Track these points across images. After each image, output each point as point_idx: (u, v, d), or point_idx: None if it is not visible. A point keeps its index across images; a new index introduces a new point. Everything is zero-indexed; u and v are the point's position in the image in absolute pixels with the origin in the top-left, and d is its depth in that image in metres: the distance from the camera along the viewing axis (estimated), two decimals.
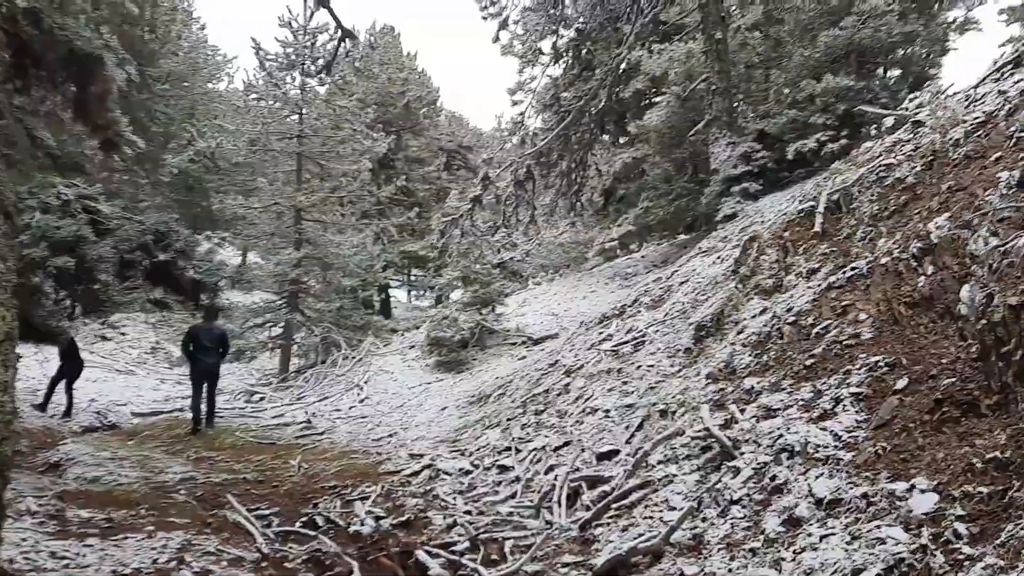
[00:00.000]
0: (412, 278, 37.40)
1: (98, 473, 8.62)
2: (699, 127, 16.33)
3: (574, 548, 5.61)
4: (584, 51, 20.01)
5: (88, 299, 7.17)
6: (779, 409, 5.87)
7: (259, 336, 18.89)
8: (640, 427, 7.29)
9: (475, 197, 14.90)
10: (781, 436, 5.34)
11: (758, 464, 5.29)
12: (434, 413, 12.00)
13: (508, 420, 9.55)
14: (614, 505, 5.90)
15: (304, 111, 18.94)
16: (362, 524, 6.88)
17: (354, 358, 17.06)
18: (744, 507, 4.98)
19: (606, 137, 24.35)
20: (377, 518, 7.04)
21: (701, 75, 16.35)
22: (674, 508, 5.49)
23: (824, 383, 5.78)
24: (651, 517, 5.55)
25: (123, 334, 25.15)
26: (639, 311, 11.08)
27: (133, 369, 21.49)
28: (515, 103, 24.01)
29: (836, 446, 4.93)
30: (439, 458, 8.74)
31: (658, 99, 18.27)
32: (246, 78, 23.40)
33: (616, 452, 7.06)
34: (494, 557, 5.84)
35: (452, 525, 6.71)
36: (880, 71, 15.45)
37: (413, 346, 16.96)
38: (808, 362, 6.28)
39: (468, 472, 8.20)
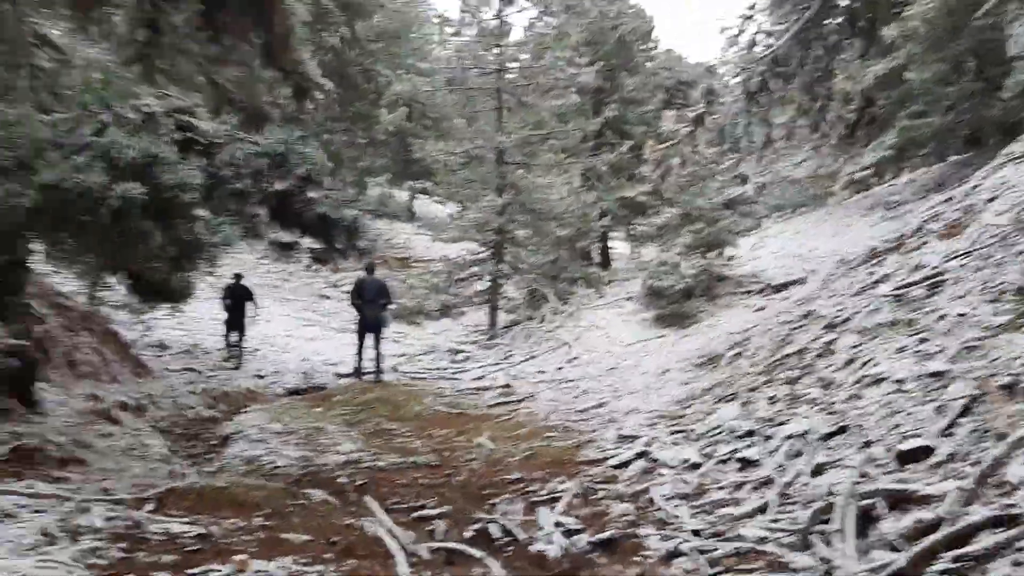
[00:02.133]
0: (631, 226, 35.13)
1: (256, 452, 7.41)
2: (989, 5, 12.61)
3: None
4: None
5: (182, 239, 6.09)
6: None
7: (466, 291, 17.61)
8: (967, 411, 4.72)
9: (697, 117, 12.42)
10: None
11: None
12: (652, 377, 9.86)
13: (748, 391, 7.20)
14: (948, 553, 3.50)
15: (503, 42, 17.18)
16: (549, 541, 4.95)
17: (564, 313, 15.25)
18: None
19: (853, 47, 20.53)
20: (569, 532, 5.08)
21: None
22: None
23: None
24: None
25: (344, 292, 25.22)
26: (926, 241, 8.20)
27: (348, 327, 21.19)
28: None
29: None
30: (656, 442, 6.62)
31: None
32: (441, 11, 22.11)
33: (929, 451, 4.57)
34: None
35: (674, 553, 4.60)
36: None
37: (630, 298, 14.82)
38: None
39: (695, 466, 6.00)
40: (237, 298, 14.33)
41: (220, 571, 3.92)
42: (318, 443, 7.78)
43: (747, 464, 5.76)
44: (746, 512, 4.96)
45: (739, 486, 5.44)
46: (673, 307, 12.75)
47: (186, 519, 4.64)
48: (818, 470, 5.10)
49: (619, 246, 33.37)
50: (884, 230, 12.21)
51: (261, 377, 13.71)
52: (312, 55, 9.68)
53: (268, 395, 12.46)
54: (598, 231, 23.64)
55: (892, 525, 4.01)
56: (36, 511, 4.20)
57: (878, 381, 5.90)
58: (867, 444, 5.03)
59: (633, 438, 6.95)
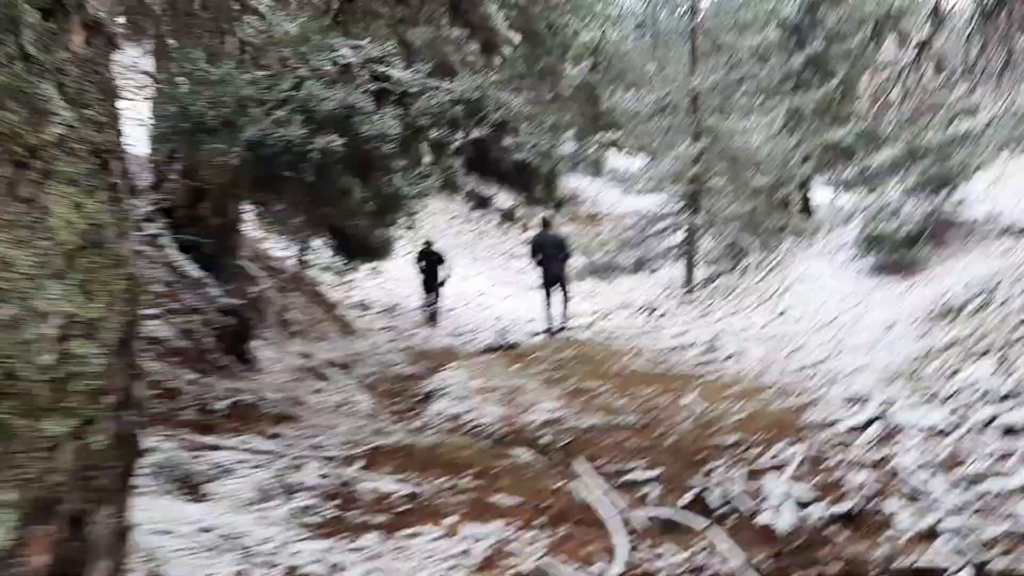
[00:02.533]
0: (835, 173, 32.63)
1: (458, 409, 7.35)
2: None
3: None
4: None
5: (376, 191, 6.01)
6: None
7: (659, 245, 16.95)
8: None
9: (921, 42, 10.97)
10: None
11: None
12: (877, 332, 8.92)
13: (1005, 346, 6.25)
14: None
15: None
16: (778, 512, 4.47)
17: (768, 265, 14.29)
18: None
19: None
20: (801, 504, 4.56)
21: None
22: None
23: None
24: None
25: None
26: None
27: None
28: None
29: None
30: (893, 404, 5.88)
31: None
32: None
33: None
34: None
35: (931, 533, 3.99)
36: None
37: (843, 246, 13.63)
38: None
39: (945, 432, 5.24)
40: (430, 263, 14.83)
41: (431, 533, 3.78)
42: (519, 401, 7.62)
43: (1011, 432, 4.95)
44: (1018, 487, 4.23)
45: (1003, 457, 4.68)
46: (896, 254, 11.52)
47: (395, 477, 4.57)
48: None
49: (820, 195, 31.21)
50: None
51: (458, 335, 13.94)
52: (498, 9, 9.48)
53: (465, 353, 12.58)
54: (799, 178, 22.07)
55: None
56: (254, 467, 4.25)
57: None
58: None
59: (864, 399, 6.23)
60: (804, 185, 26.55)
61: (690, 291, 15.74)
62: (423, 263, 14.98)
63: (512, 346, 13.19)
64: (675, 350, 10.68)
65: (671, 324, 13.22)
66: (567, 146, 33.21)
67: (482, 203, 12.08)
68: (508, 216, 25.97)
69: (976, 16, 11.00)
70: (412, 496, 4.31)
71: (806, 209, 26.71)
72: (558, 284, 12.42)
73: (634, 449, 6.07)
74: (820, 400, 6.51)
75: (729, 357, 9.41)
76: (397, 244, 11.85)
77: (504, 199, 26.35)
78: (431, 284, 14.94)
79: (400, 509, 4.15)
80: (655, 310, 14.86)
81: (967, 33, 10.91)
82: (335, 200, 5.61)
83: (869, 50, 29.77)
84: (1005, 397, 5.31)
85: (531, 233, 25.88)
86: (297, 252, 13.43)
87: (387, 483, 4.46)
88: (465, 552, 3.60)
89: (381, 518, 3.99)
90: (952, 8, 11.19)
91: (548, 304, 12.61)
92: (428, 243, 15.19)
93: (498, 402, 7.60)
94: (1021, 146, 21.39)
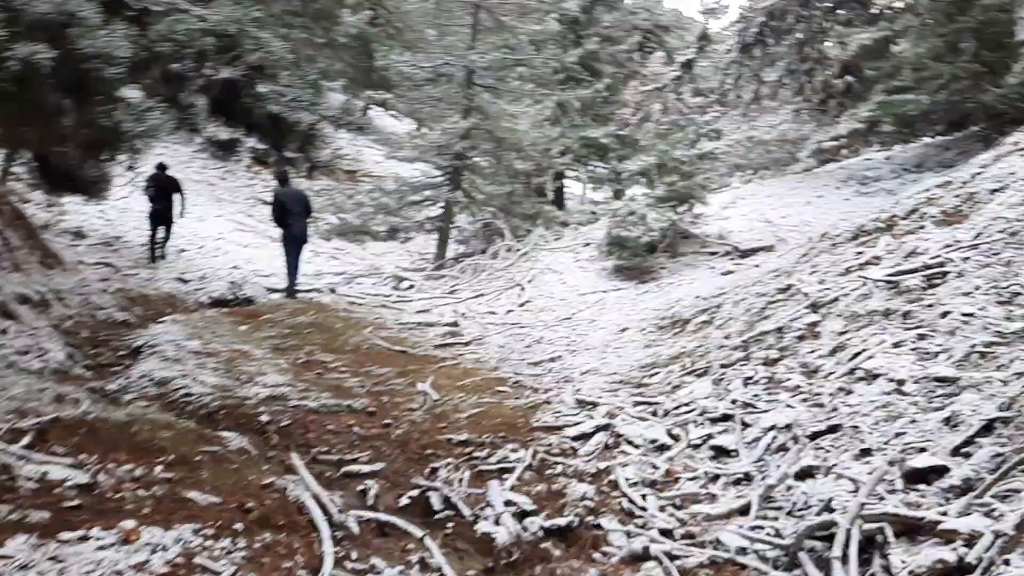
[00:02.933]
0: (590, 169, 34.19)
1: (169, 374, 6.56)
2: None
3: None
4: None
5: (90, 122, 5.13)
6: None
7: (416, 215, 16.65)
8: (987, 430, 4.18)
9: (687, 62, 11.60)
10: None
11: None
12: (611, 334, 9.26)
13: (722, 367, 6.63)
14: None
15: None
16: (497, 522, 4.32)
17: (519, 251, 14.50)
18: None
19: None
20: (522, 514, 4.46)
21: None
22: None
23: None
24: None
25: None
26: (923, 226, 7.66)
27: None
28: None
29: None
30: (620, 414, 6.00)
31: None
32: None
33: (941, 471, 4.03)
34: None
35: (641, 556, 4.02)
36: None
37: (588, 244, 14.13)
38: None
39: (664, 448, 5.41)
40: (162, 189, 13.33)
41: (102, 539, 3.16)
42: (241, 370, 6.96)
43: (722, 453, 5.19)
44: (723, 512, 4.40)
45: (714, 478, 4.88)
46: (636, 260, 12.11)
47: (70, 461, 3.84)
48: (805, 472, 4.54)
49: (573, 187, 32.53)
50: (863, 206, 11.73)
51: (185, 281, 12.71)
52: None
53: (191, 303, 11.52)
54: (556, 168, 22.81)
55: (903, 559, 3.46)
56: None
57: (872, 377, 5.36)
58: (865, 452, 4.47)
59: (593, 404, 6.33)
60: (560, 176, 27.56)
61: (440, 267, 15.63)
62: (153, 190, 13.33)
63: (246, 301, 12.28)
64: (418, 327, 10.44)
65: (417, 298, 12.98)
66: (333, 98, 31.90)
67: (226, 148, 10.89)
68: (259, 159, 24.39)
69: (736, 48, 11.81)
70: (88, 487, 3.63)
71: (560, 200, 27.76)
72: (303, 243, 11.94)
73: (360, 437, 5.72)
74: (552, 401, 6.53)
75: (470, 343, 9.33)
76: (114, 183, 10.37)
77: (255, 142, 24.69)
78: (161, 216, 13.40)
79: (69, 504, 3.46)
80: (403, 281, 14.55)
81: (727, 62, 11.68)
82: (37, 121, 4.64)
83: (637, 59, 31.42)
84: (720, 418, 5.58)
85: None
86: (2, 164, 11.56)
87: (58, 469, 3.72)
88: (140, 566, 3.04)
89: (41, 516, 3.29)
90: (715, 36, 11.87)
91: (289, 263, 11.99)
92: (162, 166, 13.51)
93: (216, 369, 6.89)
94: (741, 174, 23.65)
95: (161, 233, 13.54)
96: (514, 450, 5.33)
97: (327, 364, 7.75)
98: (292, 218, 11.66)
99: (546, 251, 14.23)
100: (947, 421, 4.48)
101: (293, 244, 11.80)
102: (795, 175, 16.74)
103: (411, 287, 14.13)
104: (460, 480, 4.92)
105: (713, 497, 4.62)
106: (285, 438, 5.62)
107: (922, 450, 4.28)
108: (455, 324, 10.50)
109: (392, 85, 20.36)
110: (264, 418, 5.84)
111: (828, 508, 3.99)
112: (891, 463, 4.20)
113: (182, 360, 7.05)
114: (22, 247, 9.91)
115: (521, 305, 11.44)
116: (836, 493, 4.12)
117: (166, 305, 11.08)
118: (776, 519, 4.22)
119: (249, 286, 13.31)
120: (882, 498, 3.91)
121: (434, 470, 5.10)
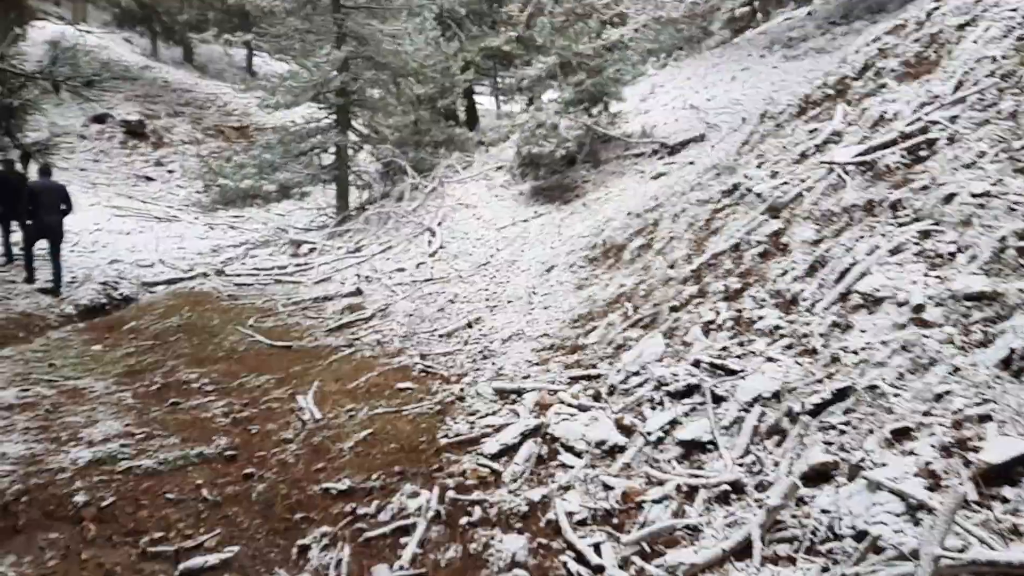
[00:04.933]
0: (498, 81, 32.07)
1: None
2: None
3: None
4: None
5: None
6: None
7: (305, 168, 14.69)
8: None
9: None
10: None
11: None
12: (535, 277, 7.77)
13: (672, 310, 5.18)
14: None
15: None
16: None
17: (425, 188, 12.79)
18: None
19: None
20: None
21: None
22: None
23: None
24: None
25: (169, 171, 21.82)
26: (884, 84, 6.21)
27: (177, 215, 18.13)
28: None
29: None
30: (554, 403, 4.53)
31: None
32: None
33: None
34: None
35: None
36: None
37: (501, 167, 12.49)
38: None
39: (615, 450, 3.96)
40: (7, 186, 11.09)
41: None
42: (64, 423, 5.33)
43: (695, 449, 3.77)
44: (713, 559, 2.98)
45: (689, 494, 3.46)
46: (554, 178, 10.55)
47: None
48: (818, 473, 3.15)
49: (485, 102, 30.50)
50: (796, 72, 10.30)
51: (49, 292, 10.81)
52: None
53: (49, 320, 9.71)
54: (461, 86, 20.86)
55: None
56: None
57: (874, 302, 3.96)
58: (901, 433, 3.07)
59: (518, 392, 4.85)
60: (468, 94, 25.55)
61: (343, 220, 13.84)
62: None
63: (124, 301, 10.57)
64: (314, 304, 8.84)
65: (318, 263, 11.28)
66: (212, 49, 29.13)
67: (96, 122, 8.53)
68: (134, 131, 22.04)
69: None
70: None
71: (472, 119, 25.83)
72: (54, 235, 10.74)
73: (210, 505, 4.17)
74: (466, 395, 5.03)
75: (371, 316, 7.75)
76: None
77: (127, 111, 22.27)
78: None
79: None
80: (302, 245, 12.79)
81: None
82: None
83: None
84: (683, 392, 4.14)
85: (166, 152, 22.28)
86: None
87: None
88: None
89: None
90: None
91: (31, 251, 10.77)
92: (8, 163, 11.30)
93: (29, 429, 5.24)
94: (655, 59, 21.96)
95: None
96: (414, 494, 3.85)
97: (187, 386, 6.14)
98: (44, 210, 10.56)
99: (455, 183, 12.55)
100: (1006, 364, 3.10)
101: (41, 235, 10.66)
102: (712, 51, 15.22)
103: (311, 250, 12.39)
104: (338, 561, 3.44)
105: (694, 532, 3.20)
106: (106, 526, 4.06)
107: (984, 419, 2.90)
108: (357, 292, 8.91)
109: (253, 22, 18.05)
110: (79, 499, 4.26)
111: (874, 547, 2.60)
112: (946, 453, 2.81)
113: None
114: None
115: (432, 255, 9.83)
116: (874, 513, 2.74)
117: (18, 328, 9.26)
118: (793, 561, 2.83)
119: (126, 282, 11.53)
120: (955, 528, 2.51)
121: (304, 549, 3.60)
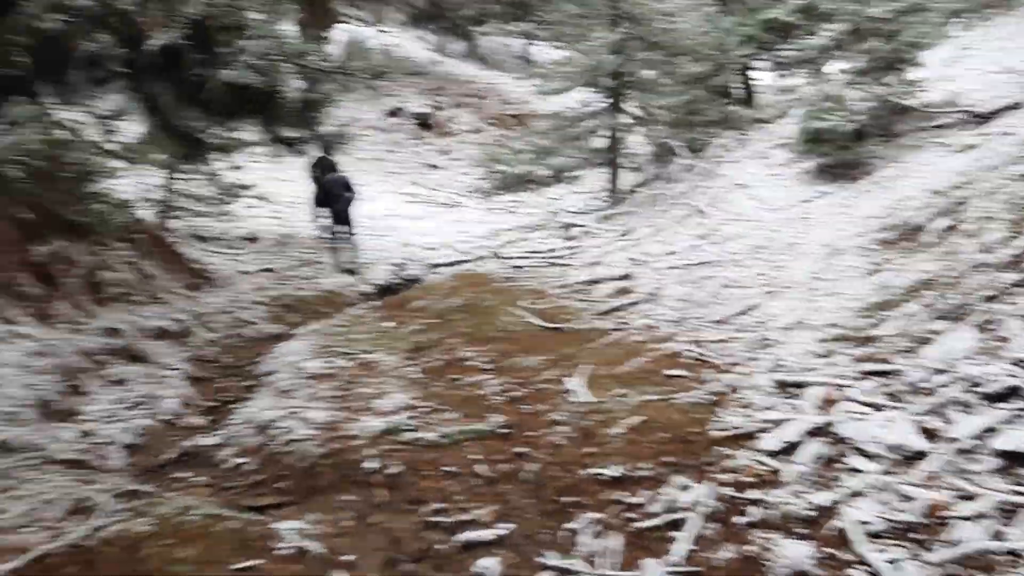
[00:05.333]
0: (779, 55, 30.41)
1: (275, 414, 5.49)
2: None
3: None
4: None
5: None
6: None
7: (578, 152, 14.87)
8: None
9: None
10: None
11: None
12: (819, 261, 7.20)
13: (988, 300, 4.53)
14: None
15: None
16: None
17: (696, 170, 12.41)
18: None
19: None
20: None
21: None
22: None
23: None
24: None
25: (453, 160, 23.24)
26: None
27: (460, 201, 19.30)
28: None
29: None
30: (841, 400, 4.14)
31: None
32: None
33: None
34: None
35: None
36: None
37: (780, 144, 11.78)
38: None
39: (917, 456, 3.53)
40: (328, 176, 12.21)
41: None
42: (359, 393, 5.81)
43: (1017, 461, 3.25)
44: None
45: (1010, 512, 2.98)
46: (841, 153, 9.70)
47: None
48: None
49: (764, 78, 29.07)
50: None
51: (350, 272, 11.96)
52: None
53: (348, 298, 10.72)
54: (738, 63, 20.00)
55: None
56: None
57: None
58: None
59: (799, 386, 4.50)
60: (745, 70, 24.49)
61: (614, 203, 13.86)
62: (319, 173, 12.28)
63: (411, 282, 11.47)
64: (584, 287, 8.91)
65: (588, 247, 11.38)
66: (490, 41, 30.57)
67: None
68: (423, 123, 23.78)
69: None
70: None
71: (749, 96, 24.74)
72: (350, 223, 11.99)
73: (484, 481, 4.32)
74: (740, 386, 4.76)
75: (639, 301, 7.64)
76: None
77: (418, 104, 24.03)
78: (334, 206, 12.04)
79: None
80: (573, 228, 12.99)
81: None
82: None
83: None
84: (1002, 394, 3.59)
85: (450, 141, 23.72)
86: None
87: None
88: None
89: None
90: None
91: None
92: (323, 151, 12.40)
93: (330, 397, 5.77)
94: (958, 19, 19.44)
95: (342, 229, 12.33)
96: (686, 487, 3.70)
97: (465, 363, 6.44)
98: (338, 200, 11.73)
99: (729, 163, 12.04)
100: None
101: (341, 223, 11.87)
102: None
103: (583, 234, 12.54)
104: (605, 551, 3.38)
105: (1016, 559, 2.75)
106: (393, 492, 4.35)
107: None
108: (627, 276, 8.85)
109: (527, 10, 18.56)
110: (369, 465, 4.61)
111: None
112: None
113: (295, 391, 6.01)
114: (162, 275, 9.44)
115: (704, 236, 9.49)
116: None
117: (324, 305, 10.33)
118: None
119: (414, 264, 12.49)
120: None
121: (574, 532, 3.59)
